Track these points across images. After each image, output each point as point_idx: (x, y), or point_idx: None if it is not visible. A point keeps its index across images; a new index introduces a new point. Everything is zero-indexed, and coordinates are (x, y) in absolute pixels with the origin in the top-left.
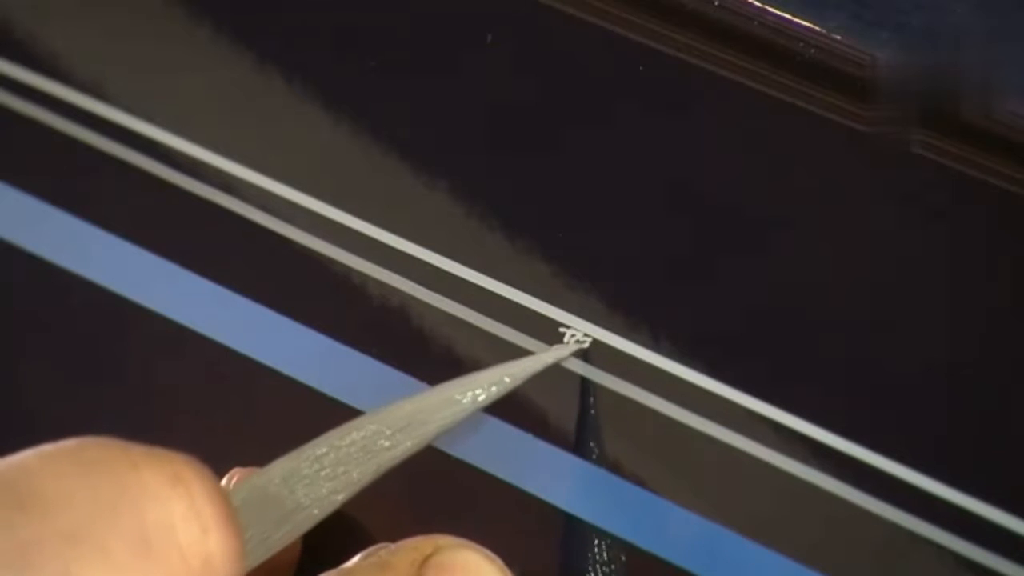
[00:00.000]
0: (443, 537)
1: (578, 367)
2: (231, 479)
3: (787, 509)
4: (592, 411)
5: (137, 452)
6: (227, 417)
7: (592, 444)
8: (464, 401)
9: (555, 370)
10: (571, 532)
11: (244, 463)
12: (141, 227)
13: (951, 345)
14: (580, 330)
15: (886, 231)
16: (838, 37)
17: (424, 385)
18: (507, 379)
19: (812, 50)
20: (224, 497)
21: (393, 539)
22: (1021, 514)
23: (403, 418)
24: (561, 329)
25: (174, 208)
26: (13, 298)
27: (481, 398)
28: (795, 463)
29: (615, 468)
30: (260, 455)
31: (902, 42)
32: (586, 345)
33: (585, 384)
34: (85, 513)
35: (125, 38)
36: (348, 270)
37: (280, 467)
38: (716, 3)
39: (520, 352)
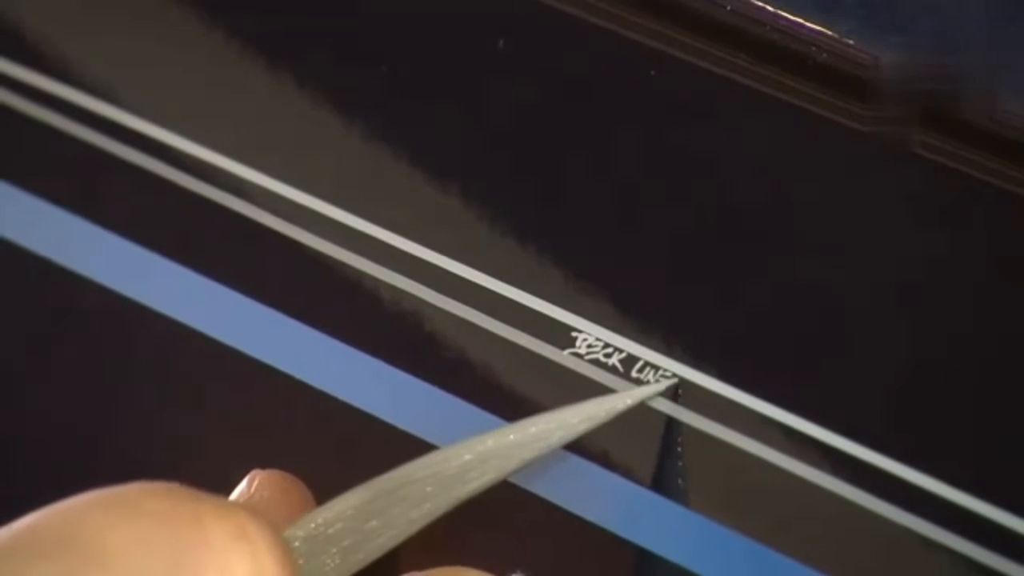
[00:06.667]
0: (470, 571)
1: (663, 405)
2: (252, 481)
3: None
4: (679, 448)
5: (202, 504)
6: (236, 418)
7: (678, 482)
8: (548, 439)
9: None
10: (643, 567)
11: (256, 464)
12: (151, 230)
13: (952, 345)
14: (592, 335)
15: (886, 231)
16: (849, 41)
17: (437, 390)
18: (591, 417)
19: (824, 54)
20: (287, 552)
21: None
22: None
23: (484, 453)
24: (573, 334)
25: (184, 211)
26: (22, 300)
27: (564, 436)
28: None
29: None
30: (270, 457)
31: (909, 45)
32: (674, 382)
33: (671, 422)
34: (146, 568)
35: (136, 42)
36: (360, 274)
37: (354, 497)
38: (727, 8)
39: (531, 357)
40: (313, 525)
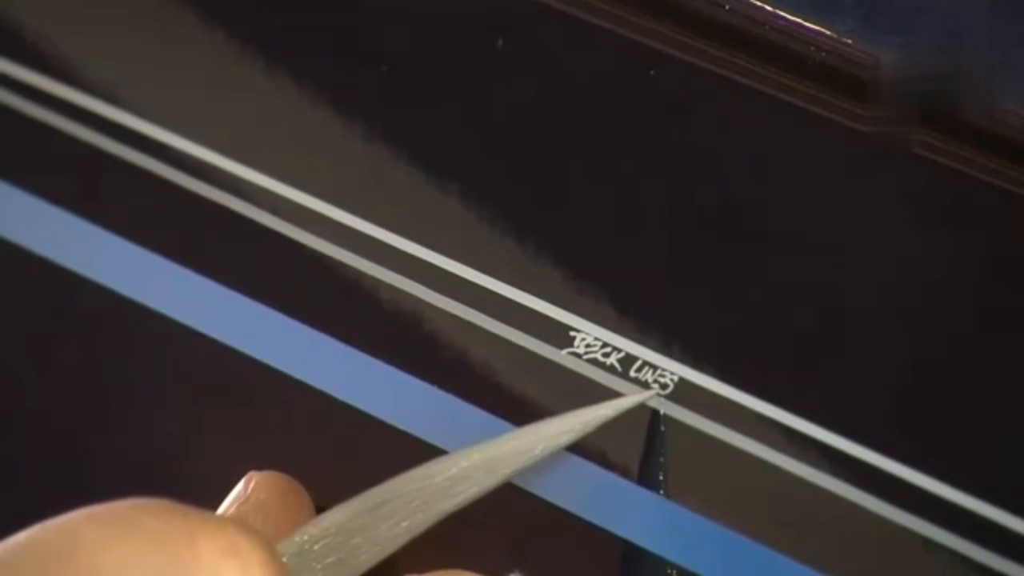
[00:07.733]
0: (466, 573)
1: (661, 404)
2: (249, 482)
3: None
4: (662, 443)
5: (193, 520)
6: (234, 419)
7: (660, 475)
8: (531, 451)
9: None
10: (633, 563)
11: (255, 465)
12: (150, 230)
13: (952, 345)
14: (591, 334)
15: (886, 231)
16: (849, 41)
17: (435, 390)
18: (573, 429)
19: (823, 54)
20: (279, 567)
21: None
22: None
23: (468, 468)
24: (571, 333)
25: (184, 211)
26: (22, 300)
27: (547, 448)
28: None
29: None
30: (269, 457)
31: (909, 45)
32: (670, 387)
33: (668, 421)
34: None
35: (136, 42)
36: (360, 274)
37: (338, 514)
38: (727, 8)
39: (530, 356)
40: (299, 542)
